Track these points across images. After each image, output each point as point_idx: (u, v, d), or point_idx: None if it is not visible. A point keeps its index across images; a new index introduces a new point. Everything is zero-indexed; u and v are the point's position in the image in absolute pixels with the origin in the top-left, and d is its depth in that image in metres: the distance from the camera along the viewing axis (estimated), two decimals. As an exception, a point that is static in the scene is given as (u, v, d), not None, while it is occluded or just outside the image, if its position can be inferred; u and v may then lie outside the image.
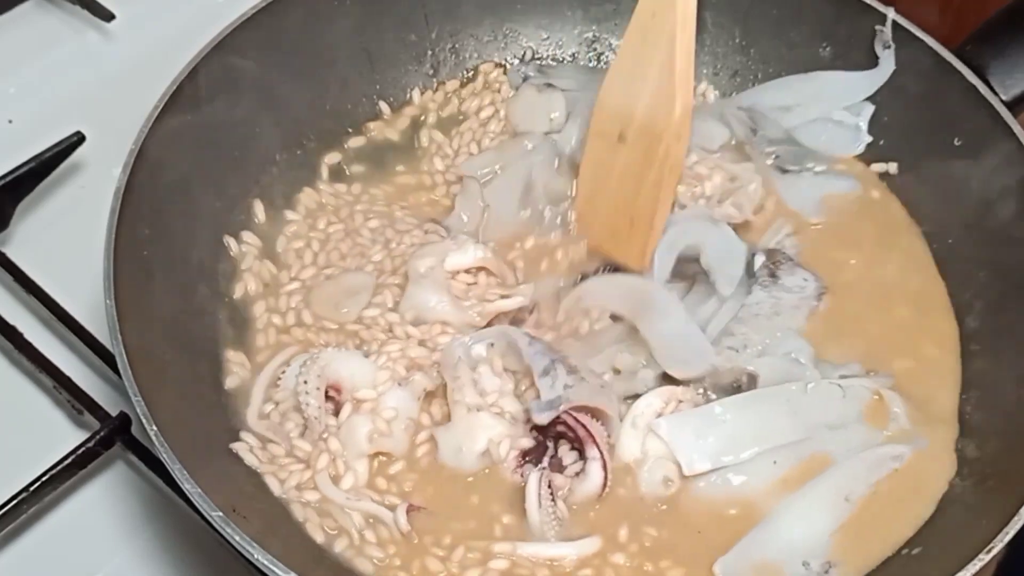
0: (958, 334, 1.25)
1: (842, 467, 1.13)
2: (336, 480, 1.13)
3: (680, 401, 1.15)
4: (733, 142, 1.38)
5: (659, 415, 1.13)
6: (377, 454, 1.15)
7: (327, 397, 1.16)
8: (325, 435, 1.14)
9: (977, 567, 0.99)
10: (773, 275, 1.24)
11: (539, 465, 1.11)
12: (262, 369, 1.21)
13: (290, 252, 1.30)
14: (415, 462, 1.15)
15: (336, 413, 1.16)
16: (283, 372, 1.19)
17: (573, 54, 1.50)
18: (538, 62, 1.49)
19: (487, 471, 1.13)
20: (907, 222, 1.34)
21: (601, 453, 1.11)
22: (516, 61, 1.49)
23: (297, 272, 1.29)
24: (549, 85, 1.42)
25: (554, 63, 1.49)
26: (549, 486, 1.10)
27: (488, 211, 1.31)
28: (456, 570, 1.08)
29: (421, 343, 1.20)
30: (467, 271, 1.25)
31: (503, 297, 1.24)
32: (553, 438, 1.13)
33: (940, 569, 1.00)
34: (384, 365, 1.17)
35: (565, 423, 1.12)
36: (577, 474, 1.12)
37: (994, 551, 0.99)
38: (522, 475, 1.11)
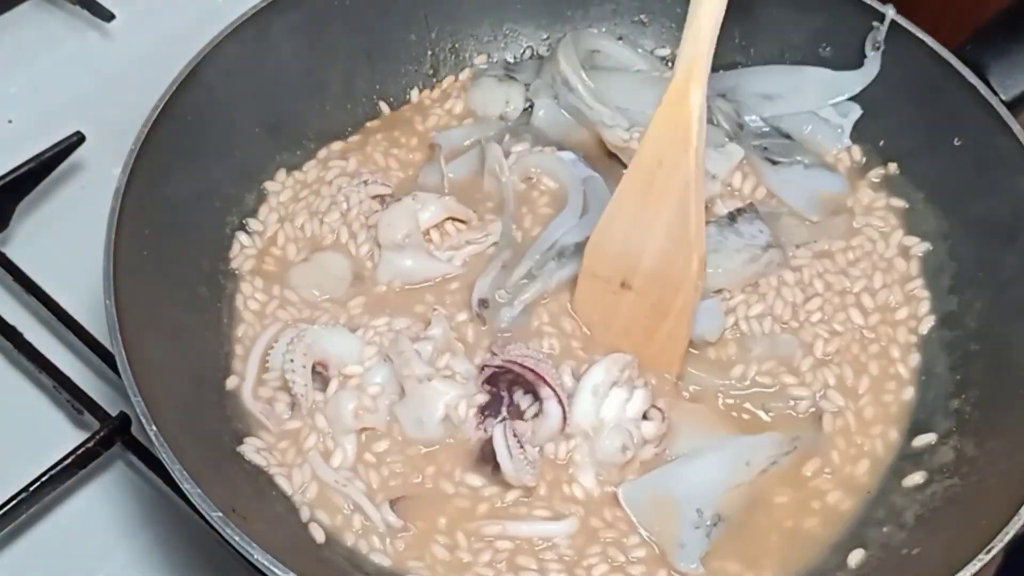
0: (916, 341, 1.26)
1: (752, 438, 1.16)
2: (326, 457, 1.14)
3: (633, 369, 1.17)
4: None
5: (614, 384, 1.15)
6: (363, 429, 1.16)
7: (315, 373, 1.17)
8: (313, 411, 1.16)
9: (977, 567, 0.99)
10: (732, 219, 1.28)
11: (498, 416, 1.14)
12: (253, 347, 1.22)
13: (279, 236, 1.31)
14: (396, 439, 1.16)
15: (324, 389, 1.17)
16: (271, 349, 1.19)
17: (573, 54, 1.50)
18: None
19: (452, 437, 1.15)
20: (896, 226, 1.34)
21: (554, 390, 1.13)
22: (515, 60, 1.49)
23: (282, 248, 1.30)
24: (510, 76, 1.44)
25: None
26: (514, 434, 1.12)
27: (447, 180, 1.34)
28: (467, 557, 1.10)
29: (400, 312, 1.22)
30: (435, 226, 1.29)
31: (475, 241, 1.28)
32: (506, 387, 1.15)
33: (940, 569, 1.01)
34: (371, 340, 1.19)
35: (512, 371, 1.14)
36: (536, 415, 1.14)
37: (994, 551, 0.99)
38: (485, 430, 1.14)
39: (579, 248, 1.23)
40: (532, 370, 1.14)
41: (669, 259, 1.14)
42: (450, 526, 1.12)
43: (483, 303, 1.23)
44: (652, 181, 1.12)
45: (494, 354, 1.18)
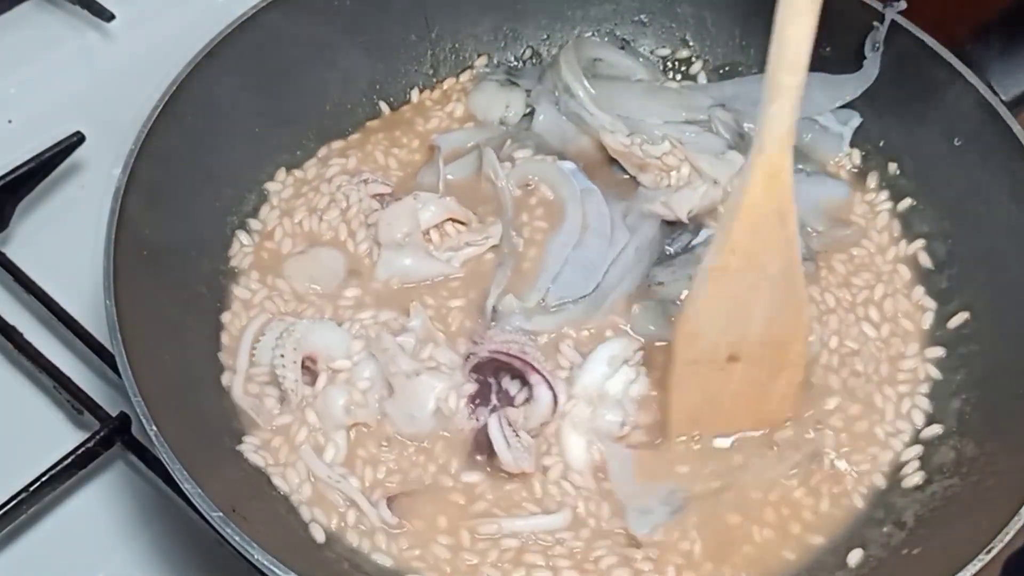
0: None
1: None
2: (319, 452, 1.14)
3: (640, 356, 1.19)
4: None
5: (626, 361, 1.17)
6: (354, 425, 1.16)
7: (303, 367, 1.17)
8: (303, 406, 1.16)
9: (977, 567, 0.99)
10: None
11: (489, 404, 1.15)
12: (241, 337, 1.21)
13: (277, 231, 1.31)
14: (388, 434, 1.16)
15: (312, 383, 1.17)
16: (258, 343, 1.19)
17: (573, 54, 1.50)
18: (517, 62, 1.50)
19: (445, 429, 1.16)
20: (897, 235, 1.34)
21: (543, 375, 1.15)
22: (515, 60, 1.49)
23: (278, 242, 1.30)
24: (512, 82, 1.44)
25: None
26: (508, 423, 1.13)
27: (445, 182, 1.33)
28: (474, 559, 1.10)
29: (390, 307, 1.23)
30: (435, 226, 1.29)
31: (474, 243, 1.29)
32: (493, 374, 1.16)
33: (940, 569, 1.01)
34: (358, 334, 1.19)
35: (497, 360, 1.15)
36: (527, 400, 1.15)
37: (994, 551, 0.99)
38: (477, 419, 1.14)
39: (597, 298, 1.24)
40: (519, 357, 1.15)
41: (779, 318, 1.12)
42: (451, 525, 1.12)
43: (495, 311, 1.23)
44: (751, 255, 1.07)
45: (476, 343, 1.18)
